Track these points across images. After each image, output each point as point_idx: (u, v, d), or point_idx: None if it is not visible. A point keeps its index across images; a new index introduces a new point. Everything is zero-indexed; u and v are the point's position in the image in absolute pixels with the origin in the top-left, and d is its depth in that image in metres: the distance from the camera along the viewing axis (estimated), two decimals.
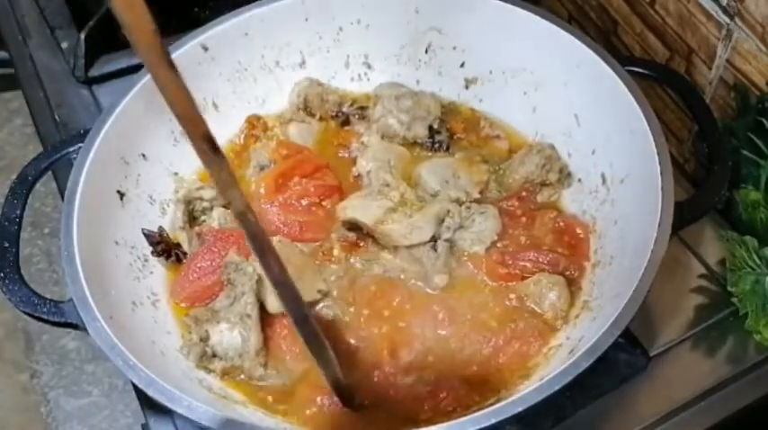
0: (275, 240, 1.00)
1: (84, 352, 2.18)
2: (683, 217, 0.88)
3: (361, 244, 1.01)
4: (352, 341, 0.95)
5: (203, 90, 1.13)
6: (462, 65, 1.17)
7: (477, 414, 0.75)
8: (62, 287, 2.25)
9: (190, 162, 1.06)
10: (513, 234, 1.02)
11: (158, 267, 1.02)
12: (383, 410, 0.89)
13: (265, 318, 0.94)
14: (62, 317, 0.87)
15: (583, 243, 1.00)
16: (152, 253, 1.01)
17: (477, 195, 1.06)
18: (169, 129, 1.07)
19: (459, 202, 1.03)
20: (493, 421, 0.73)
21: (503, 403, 0.75)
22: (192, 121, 0.57)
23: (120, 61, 1.28)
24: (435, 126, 1.14)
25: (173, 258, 1.02)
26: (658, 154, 0.91)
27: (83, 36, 1.27)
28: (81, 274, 0.88)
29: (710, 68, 1.08)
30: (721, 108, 1.08)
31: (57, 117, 1.26)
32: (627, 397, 0.94)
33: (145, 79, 1.01)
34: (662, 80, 1.08)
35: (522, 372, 0.91)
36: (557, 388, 0.75)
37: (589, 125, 1.05)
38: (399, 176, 1.08)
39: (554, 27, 1.06)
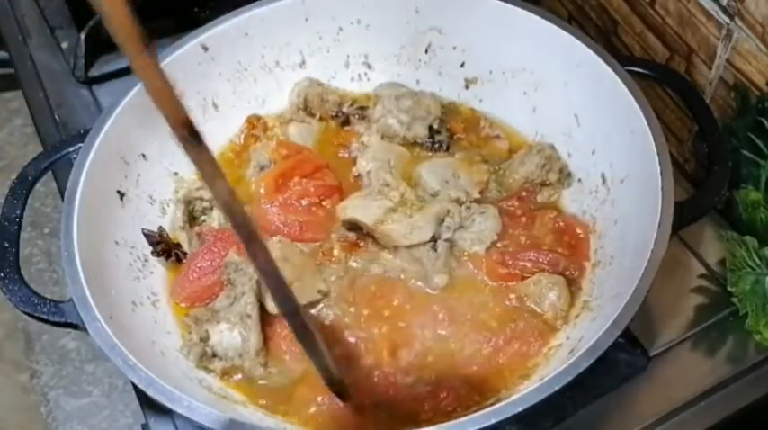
0: (275, 240, 1.00)
1: (84, 352, 2.18)
2: (683, 217, 0.88)
3: (361, 244, 1.01)
4: (352, 341, 0.95)
5: (203, 90, 1.13)
6: (462, 65, 1.17)
7: (477, 414, 0.75)
8: (62, 287, 2.25)
9: (190, 162, 1.06)
10: (513, 234, 1.02)
11: (158, 267, 1.02)
12: (383, 410, 0.89)
13: (265, 318, 0.94)
14: (62, 317, 0.87)
15: (583, 243, 1.00)
16: (152, 253, 1.01)
17: (477, 195, 1.06)
18: (169, 129, 1.07)
19: (459, 202, 1.03)
20: (493, 421, 0.73)
21: (503, 403, 0.75)
22: (171, 107, 0.57)
23: (120, 61, 1.28)
24: (435, 126, 1.14)
25: (173, 258, 1.02)
26: (658, 154, 0.91)
27: (83, 36, 1.27)
28: (81, 274, 0.88)
29: (710, 68, 1.08)
30: (721, 108, 1.08)
31: (57, 117, 1.26)
32: (627, 397, 0.94)
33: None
34: (662, 80, 1.08)
35: (522, 372, 0.91)
36: (557, 388, 0.75)
37: (589, 125, 1.05)
38: (399, 176, 1.08)
39: (554, 27, 1.06)
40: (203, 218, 1.07)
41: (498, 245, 1.01)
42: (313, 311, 0.97)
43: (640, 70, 1.02)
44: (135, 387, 0.82)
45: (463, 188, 1.06)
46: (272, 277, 0.71)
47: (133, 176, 1.04)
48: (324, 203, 1.06)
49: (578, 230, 1.01)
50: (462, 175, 1.08)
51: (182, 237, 1.04)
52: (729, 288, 0.98)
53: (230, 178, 1.12)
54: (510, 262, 0.99)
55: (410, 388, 0.90)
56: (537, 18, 1.07)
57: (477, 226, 1.01)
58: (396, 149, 1.12)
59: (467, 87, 1.18)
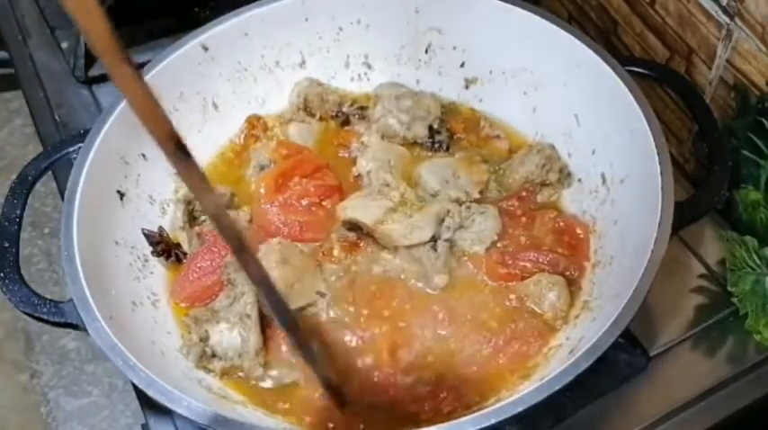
0: (275, 242, 1.00)
1: (84, 352, 2.18)
2: (683, 217, 0.88)
3: (361, 244, 1.01)
4: (352, 341, 0.95)
5: (203, 90, 1.13)
6: (462, 65, 1.17)
7: (477, 414, 0.75)
8: (62, 287, 2.25)
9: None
10: (513, 234, 1.02)
11: (158, 267, 1.02)
12: (383, 410, 0.89)
13: (265, 318, 0.94)
14: (62, 317, 0.87)
15: (583, 243, 1.00)
16: (152, 253, 1.01)
17: (477, 195, 1.06)
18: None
19: (459, 202, 1.03)
20: (493, 421, 0.73)
21: (503, 403, 0.75)
22: (155, 121, 0.54)
23: None
24: (435, 126, 1.14)
25: (173, 258, 1.02)
26: (658, 154, 0.90)
27: (83, 36, 1.27)
28: (81, 274, 0.88)
29: (710, 68, 1.08)
30: (721, 108, 1.08)
31: (57, 117, 1.26)
32: (627, 397, 0.94)
33: (145, 79, 1.01)
34: (662, 80, 1.08)
35: (522, 373, 0.91)
36: (557, 388, 0.75)
37: (589, 125, 1.05)
38: (399, 176, 1.08)
39: (554, 27, 1.06)
40: (203, 218, 1.07)
41: (498, 245, 1.01)
42: (313, 311, 0.97)
43: (640, 70, 1.02)
44: (135, 387, 0.82)
45: (463, 188, 1.06)
46: (265, 287, 0.71)
47: (133, 176, 1.04)
48: (324, 203, 1.06)
49: (578, 230, 1.01)
50: (462, 175, 1.08)
51: (182, 237, 1.04)
52: (729, 288, 0.98)
53: (230, 178, 1.13)
54: (510, 262, 0.99)
55: (410, 388, 0.90)
56: (537, 18, 1.07)
57: (477, 226, 1.01)
58: (396, 149, 1.12)
59: (467, 87, 1.18)
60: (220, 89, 1.15)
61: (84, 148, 0.98)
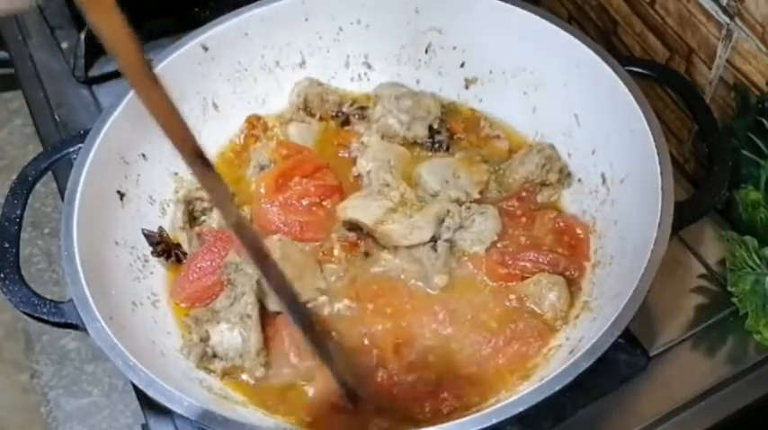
0: (275, 239, 1.00)
1: (84, 352, 2.18)
2: (683, 217, 0.88)
3: (361, 244, 1.01)
4: (354, 340, 0.95)
5: (203, 90, 1.13)
6: (462, 65, 1.17)
7: (477, 414, 0.75)
8: (62, 287, 2.25)
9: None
10: (513, 234, 1.02)
11: (158, 267, 1.02)
12: (383, 410, 0.89)
13: (265, 317, 0.94)
14: (62, 317, 0.87)
15: (583, 243, 1.00)
16: (152, 253, 1.01)
17: (477, 195, 1.06)
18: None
19: (459, 202, 1.03)
20: (493, 421, 0.73)
21: (503, 403, 0.75)
22: (181, 136, 0.55)
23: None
24: (435, 126, 1.14)
25: (173, 258, 1.02)
26: (658, 154, 0.90)
27: (83, 36, 1.27)
28: (81, 274, 0.88)
29: (710, 68, 1.08)
30: (721, 108, 1.08)
31: (57, 117, 1.26)
32: (627, 397, 0.94)
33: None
34: (662, 80, 1.08)
35: (521, 373, 0.91)
36: (557, 388, 0.75)
37: (589, 125, 1.05)
38: (399, 176, 1.08)
39: (554, 27, 1.05)
40: (203, 218, 1.07)
41: (498, 245, 1.01)
42: (313, 310, 0.97)
43: (640, 70, 1.02)
44: (135, 387, 0.82)
45: (463, 188, 1.06)
46: (285, 294, 0.71)
47: (133, 176, 1.04)
48: (324, 203, 1.06)
49: (578, 230, 1.01)
50: (462, 175, 1.08)
51: (182, 238, 1.04)
52: (729, 288, 0.98)
53: (230, 178, 1.14)
54: (510, 262, 0.99)
55: (411, 388, 0.90)
56: (537, 18, 1.07)
57: (477, 226, 1.01)
58: (396, 149, 1.12)
59: (467, 87, 1.18)
60: (220, 89, 1.15)
61: (84, 149, 0.98)
